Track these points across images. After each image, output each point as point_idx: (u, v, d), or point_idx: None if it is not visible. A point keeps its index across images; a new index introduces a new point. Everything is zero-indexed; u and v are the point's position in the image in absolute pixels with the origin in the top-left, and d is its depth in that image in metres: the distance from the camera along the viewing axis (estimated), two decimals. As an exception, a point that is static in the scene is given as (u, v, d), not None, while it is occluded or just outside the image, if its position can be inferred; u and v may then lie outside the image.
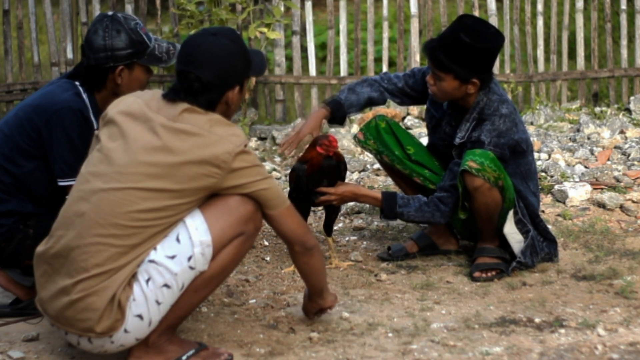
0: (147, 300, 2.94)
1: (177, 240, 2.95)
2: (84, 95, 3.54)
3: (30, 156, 3.50)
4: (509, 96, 6.84)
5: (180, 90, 3.01)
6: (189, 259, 2.95)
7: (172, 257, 2.94)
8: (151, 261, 2.94)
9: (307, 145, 4.12)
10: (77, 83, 3.57)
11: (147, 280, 2.93)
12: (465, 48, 3.87)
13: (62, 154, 3.45)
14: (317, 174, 4.02)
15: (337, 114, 4.17)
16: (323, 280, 3.33)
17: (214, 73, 3.01)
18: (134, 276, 2.94)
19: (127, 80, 3.57)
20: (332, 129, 6.34)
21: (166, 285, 2.94)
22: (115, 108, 3.08)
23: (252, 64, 3.14)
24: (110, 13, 3.59)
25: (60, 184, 3.47)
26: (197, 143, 2.94)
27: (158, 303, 2.95)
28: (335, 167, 4.04)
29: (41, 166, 3.50)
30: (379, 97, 4.25)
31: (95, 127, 3.52)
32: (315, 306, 3.41)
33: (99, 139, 3.06)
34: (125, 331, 2.95)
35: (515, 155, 4.03)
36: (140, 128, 2.98)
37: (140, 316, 2.94)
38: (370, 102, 4.26)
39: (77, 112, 3.47)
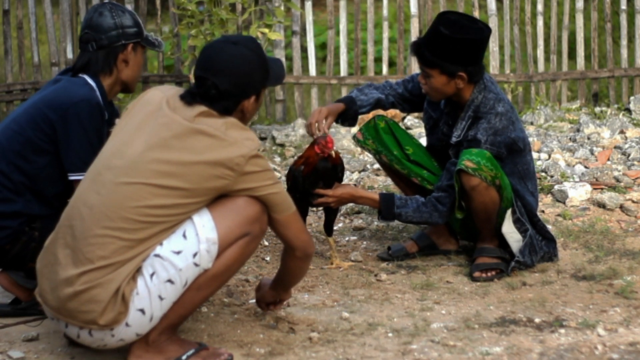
0: (150, 295, 2.95)
1: (184, 236, 2.97)
2: (95, 87, 3.55)
3: (42, 152, 3.48)
4: (509, 96, 6.87)
5: (197, 95, 3.05)
6: (194, 255, 2.97)
7: (178, 253, 2.96)
8: (157, 255, 2.95)
9: (306, 146, 4.13)
10: (85, 77, 3.57)
11: (152, 275, 2.95)
12: (445, 41, 3.89)
13: (76, 148, 3.45)
14: (312, 175, 4.02)
15: (351, 109, 4.18)
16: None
17: (231, 82, 3.04)
18: (138, 270, 2.95)
19: (133, 62, 3.62)
20: (332, 129, 6.34)
21: (170, 281, 2.96)
22: (138, 101, 3.12)
23: (270, 73, 3.16)
24: (105, 1, 3.68)
25: (71, 177, 3.46)
26: (212, 144, 2.97)
27: (161, 298, 2.97)
28: (330, 170, 4.04)
29: (53, 162, 3.49)
30: (385, 100, 4.27)
31: (107, 118, 3.54)
32: (275, 296, 3.41)
33: (115, 129, 3.10)
34: (127, 325, 2.96)
35: (513, 154, 4.03)
36: (157, 124, 3.01)
37: (142, 310, 2.96)
38: (378, 104, 4.27)
39: (95, 106, 3.48)
